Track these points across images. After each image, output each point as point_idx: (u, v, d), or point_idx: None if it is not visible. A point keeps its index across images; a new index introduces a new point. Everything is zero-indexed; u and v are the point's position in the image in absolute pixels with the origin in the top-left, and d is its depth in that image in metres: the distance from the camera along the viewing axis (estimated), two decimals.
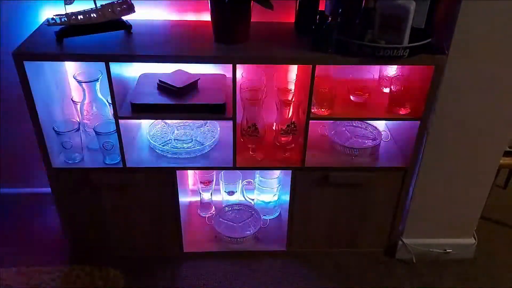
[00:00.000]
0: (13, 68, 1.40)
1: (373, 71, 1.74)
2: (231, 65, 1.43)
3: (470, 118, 1.60)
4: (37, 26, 1.60)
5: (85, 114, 1.68)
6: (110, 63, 1.41)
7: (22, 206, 2.15)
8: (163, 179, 1.69)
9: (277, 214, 2.09)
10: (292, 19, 1.65)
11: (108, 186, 1.70)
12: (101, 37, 1.50)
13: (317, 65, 1.44)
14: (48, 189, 1.71)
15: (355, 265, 1.92)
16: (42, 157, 1.60)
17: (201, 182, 1.99)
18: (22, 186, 2.17)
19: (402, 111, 1.61)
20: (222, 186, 2.07)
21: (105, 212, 1.77)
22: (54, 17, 1.45)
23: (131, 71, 1.70)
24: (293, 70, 1.77)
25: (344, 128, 1.85)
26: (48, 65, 1.58)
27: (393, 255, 1.96)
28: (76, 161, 1.66)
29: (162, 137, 1.79)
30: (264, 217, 2.01)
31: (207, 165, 1.71)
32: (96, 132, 1.60)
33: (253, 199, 2.08)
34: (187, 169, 1.75)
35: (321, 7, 1.59)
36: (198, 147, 1.72)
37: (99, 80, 1.62)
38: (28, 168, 2.09)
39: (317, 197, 1.78)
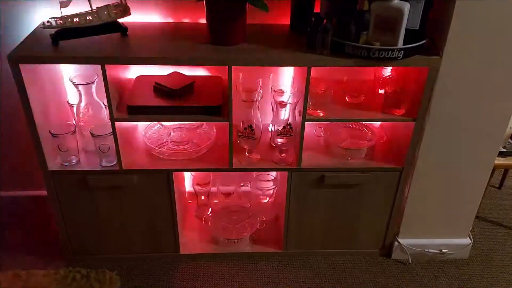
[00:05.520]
0: (8, 70, 1.40)
1: (368, 73, 1.75)
2: (226, 67, 1.43)
3: (465, 118, 1.61)
4: (32, 29, 1.60)
5: (81, 116, 1.68)
6: (106, 65, 1.41)
7: (18, 208, 2.14)
8: (159, 181, 1.69)
9: (273, 215, 2.09)
10: (287, 20, 1.66)
11: (105, 188, 1.70)
12: (97, 39, 1.50)
13: (312, 67, 1.45)
14: (44, 192, 1.71)
15: (351, 265, 1.92)
16: (38, 160, 1.60)
17: (197, 184, 2.00)
18: (18, 188, 2.17)
19: (397, 112, 1.61)
20: (218, 188, 2.07)
21: (102, 214, 1.77)
22: (50, 19, 1.45)
23: (127, 73, 1.70)
24: (288, 72, 1.78)
25: (340, 129, 1.86)
26: (44, 68, 1.59)
27: (389, 255, 1.96)
28: (72, 164, 1.66)
29: (159, 139, 1.79)
30: (260, 218, 2.02)
31: (204, 166, 1.71)
32: (92, 134, 1.60)
33: (249, 201, 2.08)
34: (184, 171, 1.76)
35: (316, 9, 1.60)
36: (194, 149, 1.72)
37: (95, 82, 1.62)
38: (25, 171, 2.09)
39: (313, 198, 1.79)
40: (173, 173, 1.68)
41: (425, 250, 1.93)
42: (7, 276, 1.79)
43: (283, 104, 1.60)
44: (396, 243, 1.92)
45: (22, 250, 1.94)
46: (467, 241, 1.95)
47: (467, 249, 1.96)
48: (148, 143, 1.73)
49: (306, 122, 1.58)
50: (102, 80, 1.44)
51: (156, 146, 1.72)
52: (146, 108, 1.54)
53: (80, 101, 1.66)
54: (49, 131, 1.59)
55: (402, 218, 1.86)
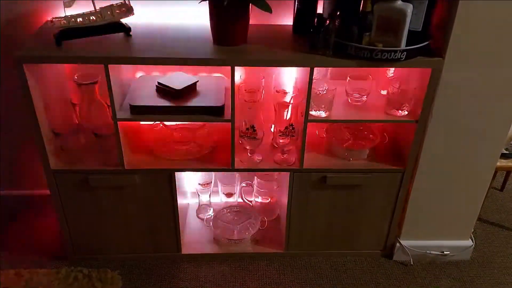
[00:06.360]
0: (12, 70, 1.41)
1: (371, 74, 1.75)
2: (229, 68, 1.44)
3: (467, 120, 1.61)
4: (36, 29, 1.60)
5: (84, 116, 1.68)
6: (109, 65, 1.41)
7: (20, 208, 2.15)
8: (161, 181, 1.70)
9: (275, 216, 2.09)
10: (290, 21, 1.66)
11: (107, 188, 1.71)
12: (100, 39, 1.51)
13: (315, 67, 1.45)
14: (46, 191, 1.71)
15: (353, 266, 1.92)
16: (41, 159, 1.60)
17: (199, 184, 2.00)
18: (21, 188, 2.17)
19: (400, 113, 1.61)
20: (220, 188, 2.07)
21: (104, 214, 1.77)
22: (54, 19, 1.45)
23: (130, 73, 1.70)
24: (291, 72, 1.78)
25: (342, 130, 1.86)
26: (47, 67, 1.59)
27: (390, 256, 1.96)
28: (75, 163, 1.66)
29: (161, 139, 1.79)
30: (262, 219, 2.02)
31: (206, 167, 1.71)
32: (95, 134, 1.60)
33: (251, 201, 2.08)
34: (186, 171, 1.76)
35: (319, 10, 1.60)
36: (196, 149, 1.73)
37: (98, 82, 1.63)
38: (27, 170, 2.09)
39: (315, 199, 1.79)
40: (175, 173, 1.68)
41: (427, 251, 1.93)
42: (9, 276, 1.79)
43: (285, 105, 1.61)
44: (397, 244, 1.92)
45: (24, 249, 1.94)
46: (469, 243, 1.95)
47: (468, 251, 1.96)
48: (150, 143, 1.73)
49: (308, 123, 1.58)
50: (105, 79, 1.44)
51: (158, 146, 1.73)
52: (149, 108, 1.54)
53: (83, 101, 1.66)
54: (52, 130, 1.59)
55: (404, 219, 1.86)
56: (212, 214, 2.06)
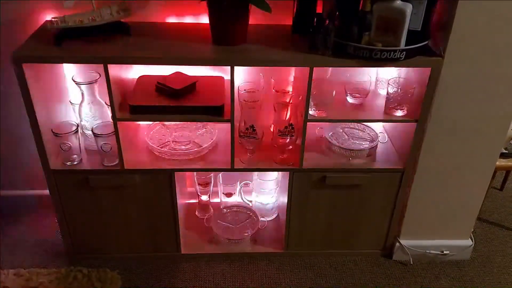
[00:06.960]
0: (12, 69, 1.41)
1: (370, 73, 1.75)
2: (229, 67, 1.44)
3: (467, 119, 1.61)
4: (36, 28, 1.60)
5: (83, 116, 1.68)
6: (108, 65, 1.41)
7: (20, 208, 2.15)
8: (161, 181, 1.70)
9: (274, 215, 2.09)
10: (289, 21, 1.66)
11: (106, 188, 1.71)
12: (100, 39, 1.51)
13: (314, 67, 1.45)
14: (46, 191, 1.71)
15: (352, 266, 1.92)
16: (41, 159, 1.60)
17: (199, 184, 2.00)
18: (20, 187, 2.17)
19: (399, 113, 1.62)
20: (220, 188, 2.07)
21: (103, 213, 1.77)
22: (53, 19, 1.45)
23: (130, 73, 1.70)
24: (290, 72, 1.78)
25: (342, 130, 1.86)
26: (46, 67, 1.59)
27: (390, 256, 1.96)
28: (74, 163, 1.67)
29: (160, 139, 1.79)
30: (262, 218, 2.02)
31: (205, 166, 1.71)
32: (94, 134, 1.61)
33: (251, 201, 2.08)
34: (185, 171, 1.76)
35: (319, 9, 1.60)
36: (196, 149, 1.73)
37: (98, 82, 1.63)
38: (26, 170, 2.09)
39: (314, 199, 1.79)
40: (175, 173, 1.68)
41: (426, 251, 1.93)
42: (9, 275, 1.79)
43: (285, 105, 1.61)
44: (397, 244, 1.92)
45: (24, 249, 1.94)
46: (468, 242, 1.95)
47: (468, 250, 1.96)
48: (150, 143, 1.73)
49: (307, 123, 1.58)
50: (105, 79, 1.44)
51: (158, 146, 1.73)
52: (148, 108, 1.54)
53: (82, 101, 1.66)
54: (52, 130, 1.59)
55: (403, 219, 1.86)
56: (212, 214, 2.06)
